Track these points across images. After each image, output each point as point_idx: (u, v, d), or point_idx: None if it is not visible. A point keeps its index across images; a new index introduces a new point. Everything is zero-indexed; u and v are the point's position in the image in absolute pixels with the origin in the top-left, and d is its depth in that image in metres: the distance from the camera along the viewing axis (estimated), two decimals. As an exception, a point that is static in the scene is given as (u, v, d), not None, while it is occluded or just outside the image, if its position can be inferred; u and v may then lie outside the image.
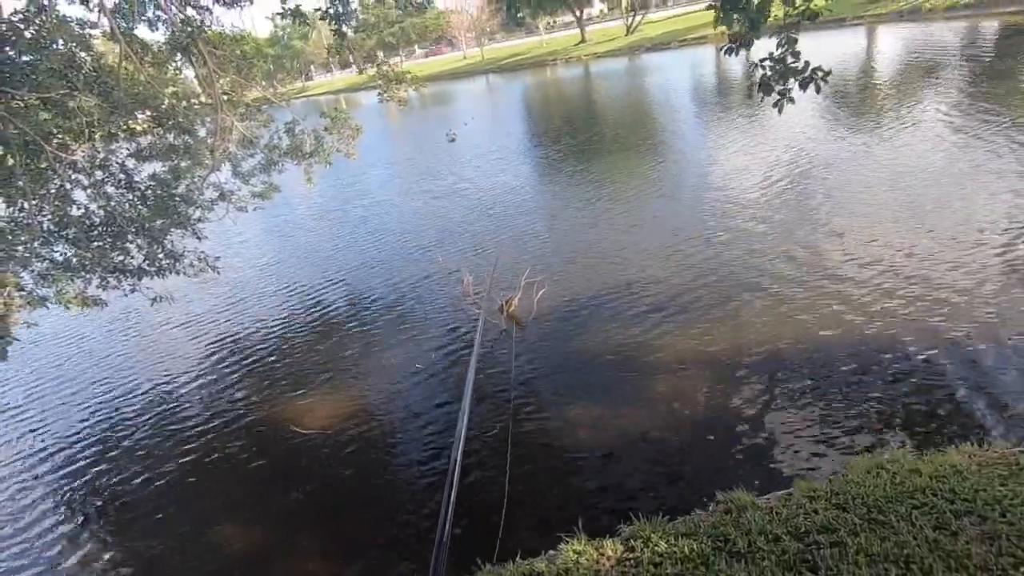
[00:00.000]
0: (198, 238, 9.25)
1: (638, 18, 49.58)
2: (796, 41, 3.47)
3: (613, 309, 7.77)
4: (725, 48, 4.05)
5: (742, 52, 3.71)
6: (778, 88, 3.55)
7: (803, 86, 3.48)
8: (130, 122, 8.53)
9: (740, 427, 5.26)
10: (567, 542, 3.84)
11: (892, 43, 25.14)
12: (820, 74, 3.43)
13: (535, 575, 3.52)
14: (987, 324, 5.94)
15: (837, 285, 7.14)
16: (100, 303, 8.17)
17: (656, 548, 3.44)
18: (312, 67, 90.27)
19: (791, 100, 3.52)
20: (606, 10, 73.07)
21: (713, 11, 3.72)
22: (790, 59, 3.49)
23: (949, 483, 3.43)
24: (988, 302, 6.27)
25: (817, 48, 27.16)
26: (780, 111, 3.54)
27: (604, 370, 6.56)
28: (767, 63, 3.62)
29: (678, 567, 3.23)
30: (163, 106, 8.50)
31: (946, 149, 10.83)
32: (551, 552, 4.06)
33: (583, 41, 52.10)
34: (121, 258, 8.36)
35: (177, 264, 9.06)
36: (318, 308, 10.03)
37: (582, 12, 54.27)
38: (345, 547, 4.92)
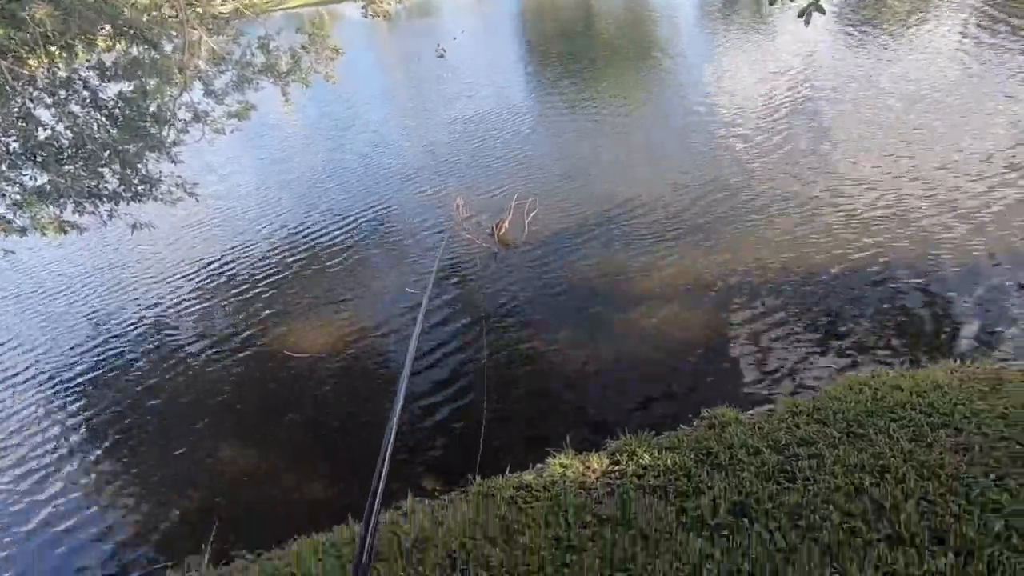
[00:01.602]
0: (173, 162, 8.88)
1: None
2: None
3: (604, 231, 7.67)
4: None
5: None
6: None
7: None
8: (89, 35, 7.93)
9: (728, 348, 5.33)
10: (554, 456, 3.96)
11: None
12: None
13: (524, 487, 3.64)
14: (974, 248, 5.92)
15: (829, 209, 7.04)
16: (77, 228, 7.94)
17: (640, 461, 3.54)
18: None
19: (820, 10, 3.23)
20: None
21: None
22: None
23: (929, 398, 3.51)
24: (978, 227, 6.22)
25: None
26: (807, 22, 3.26)
27: (594, 292, 6.56)
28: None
29: (661, 478, 3.34)
30: (122, 17, 7.87)
31: (959, 71, 10.35)
32: (539, 466, 4.20)
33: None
34: (94, 183, 8.06)
35: (154, 189, 8.73)
36: (304, 234, 9.84)
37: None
38: (343, 468, 5.06)
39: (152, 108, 8.79)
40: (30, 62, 6.99)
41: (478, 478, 3.99)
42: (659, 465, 3.45)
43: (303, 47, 10.10)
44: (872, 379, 3.96)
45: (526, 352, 5.90)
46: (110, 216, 8.45)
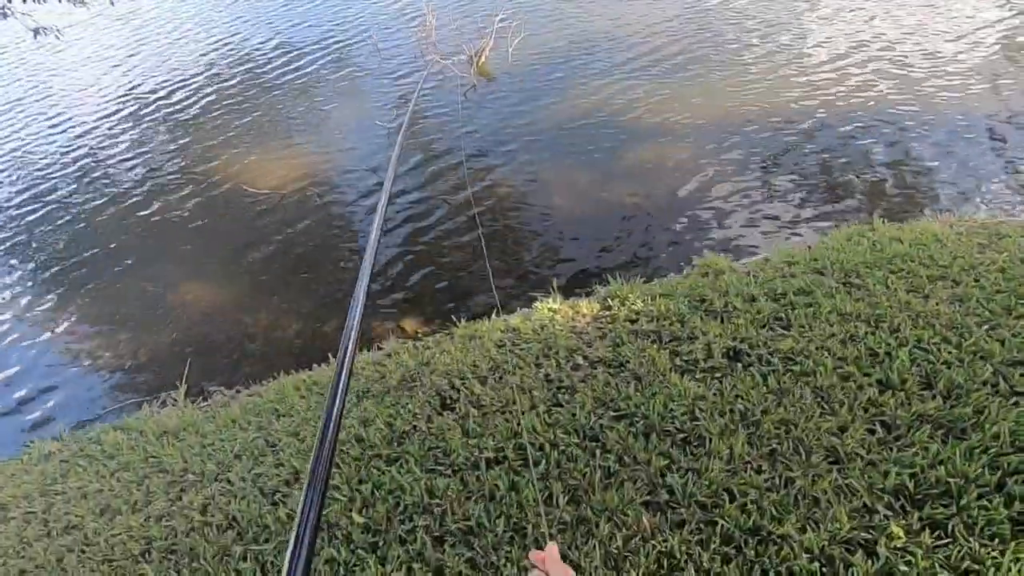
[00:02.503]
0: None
1: None
2: None
3: (590, 66, 6.96)
4: None
5: None
6: None
7: None
8: None
9: (715, 193, 5.13)
10: (542, 300, 3.85)
11: None
12: None
13: (511, 330, 3.56)
14: (973, 102, 5.61)
15: (821, 55, 6.46)
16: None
17: (632, 306, 3.46)
18: None
19: None
20: None
21: None
22: None
23: (928, 250, 3.45)
24: (975, 81, 5.85)
25: None
26: None
27: (581, 131, 6.10)
28: None
29: (654, 323, 3.29)
30: None
31: None
32: (525, 311, 4.11)
33: None
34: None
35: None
36: (251, 56, 8.62)
37: None
38: (318, 305, 4.88)
39: None
40: None
41: (462, 320, 3.89)
42: (652, 311, 3.38)
43: None
44: (871, 230, 3.87)
45: (507, 194, 5.58)
46: (3, 15, 7.10)
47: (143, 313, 5.08)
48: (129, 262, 5.63)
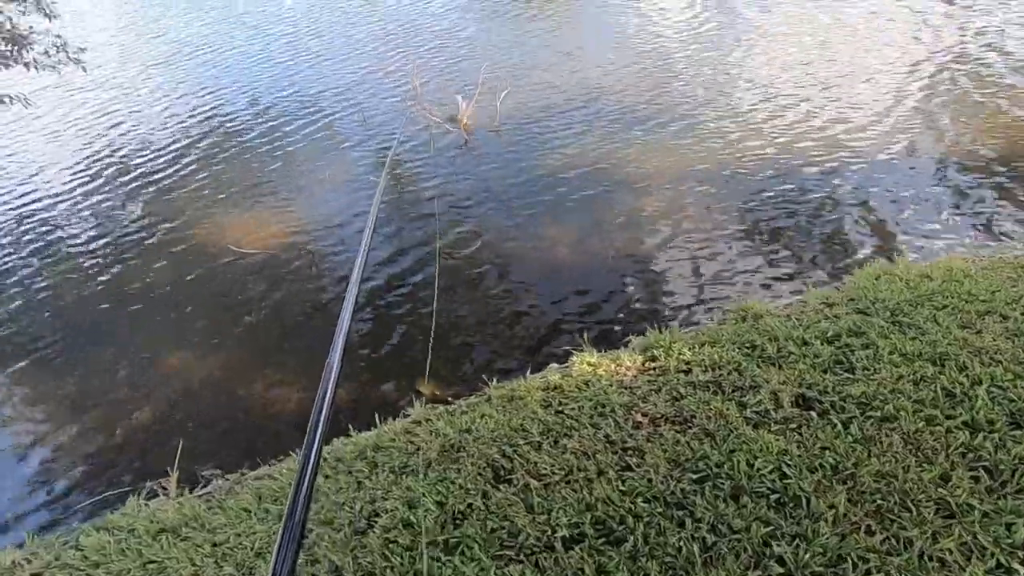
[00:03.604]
0: (48, 16, 7.06)
1: None
2: None
3: (575, 120, 7.06)
4: None
5: None
6: None
7: None
8: None
9: (719, 241, 5.12)
10: (576, 354, 3.63)
11: None
12: None
13: (552, 388, 3.31)
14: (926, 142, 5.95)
15: (798, 105, 6.80)
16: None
17: (681, 356, 3.29)
18: None
19: None
20: None
21: None
22: None
23: (964, 286, 3.46)
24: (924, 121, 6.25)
25: None
26: None
27: (571, 184, 6.09)
28: None
29: (709, 373, 3.12)
30: None
31: None
32: (553, 366, 3.89)
33: None
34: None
35: (23, 51, 6.98)
36: (229, 115, 8.40)
37: None
38: (317, 372, 4.49)
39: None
40: None
41: (495, 380, 3.62)
42: (703, 360, 3.21)
43: None
44: (898, 269, 3.88)
45: (508, 248, 5.43)
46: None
47: (119, 391, 4.55)
48: (102, 335, 5.11)
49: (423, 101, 7.46)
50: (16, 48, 6.77)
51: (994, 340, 2.95)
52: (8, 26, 6.77)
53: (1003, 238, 4.67)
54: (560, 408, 3.10)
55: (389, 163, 3.84)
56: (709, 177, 5.84)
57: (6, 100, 6.85)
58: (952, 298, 3.35)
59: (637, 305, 4.71)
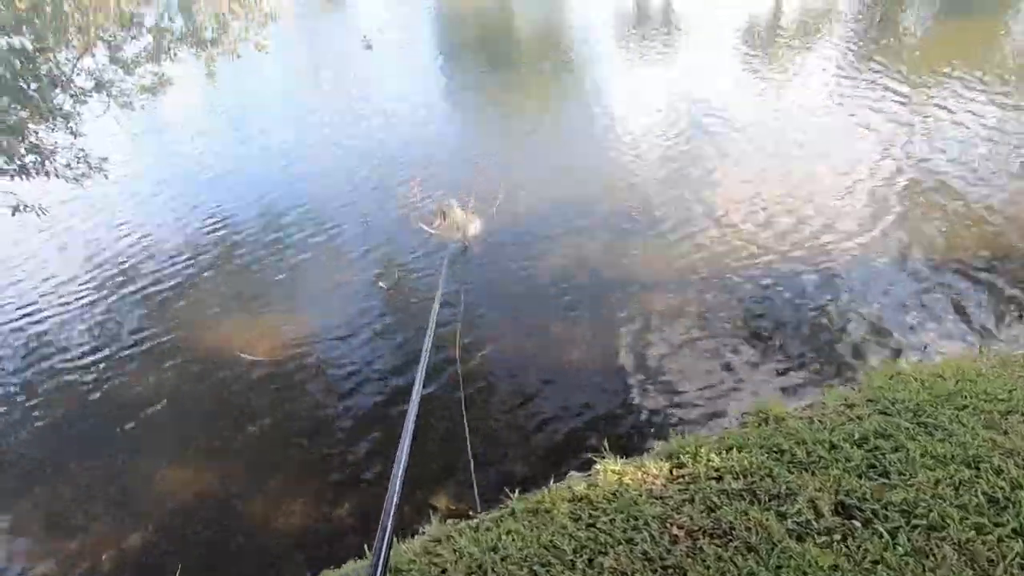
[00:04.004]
0: (73, 134, 7.44)
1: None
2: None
3: (570, 226, 7.35)
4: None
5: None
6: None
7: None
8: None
9: (729, 348, 5.19)
10: (600, 461, 3.53)
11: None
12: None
13: (579, 499, 3.18)
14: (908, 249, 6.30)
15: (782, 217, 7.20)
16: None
17: (710, 463, 3.21)
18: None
19: None
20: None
21: None
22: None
23: (979, 385, 3.51)
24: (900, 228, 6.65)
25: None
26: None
27: (574, 290, 6.20)
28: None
29: (741, 480, 3.03)
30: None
31: (836, 99, 11.02)
32: (573, 474, 3.77)
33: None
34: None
35: (47, 163, 7.27)
36: (237, 226, 8.62)
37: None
38: (327, 486, 4.29)
39: (44, 70, 7.36)
40: None
41: (516, 493, 3.47)
42: (733, 466, 3.14)
43: (231, 11, 8.98)
44: (910, 370, 3.94)
45: (518, 354, 5.43)
46: (-19, 194, 6.95)
47: (109, 512, 4.27)
48: (95, 450, 4.87)
49: (423, 211, 7.80)
50: (40, 159, 7.06)
51: (1022, 440, 2.94)
52: (34, 139, 7.11)
53: (991, 335, 4.83)
54: (591, 521, 2.96)
55: (438, 297, 3.84)
56: (708, 282, 6.03)
57: (22, 208, 7.01)
58: (971, 398, 3.38)
59: (651, 408, 4.67)
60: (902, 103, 10.14)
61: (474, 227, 7.43)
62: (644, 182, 8.38)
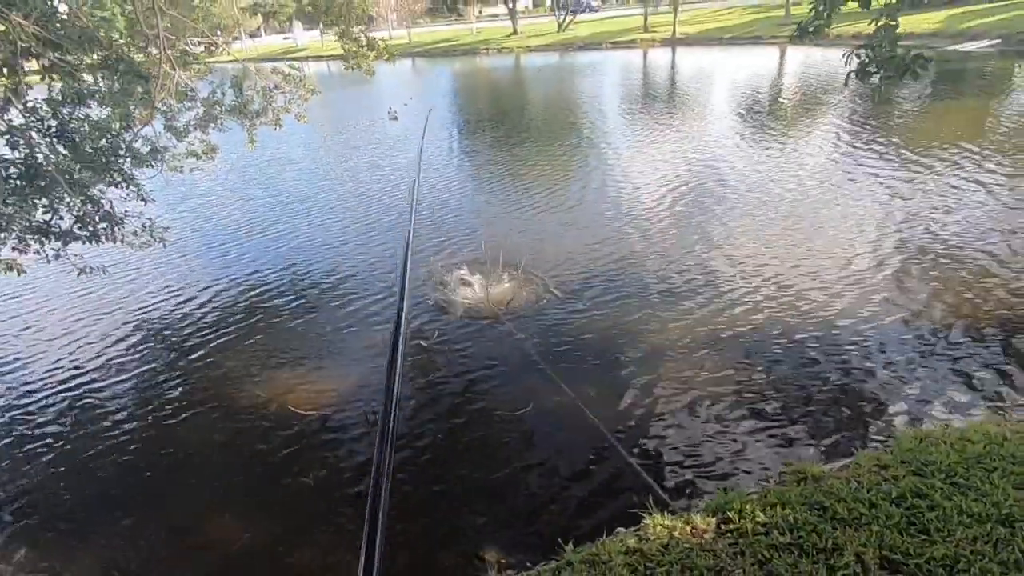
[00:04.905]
0: (144, 200, 8.08)
1: (569, 17, 50.31)
2: (896, 27, 3.57)
3: (586, 296, 7.75)
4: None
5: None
6: (877, 75, 3.63)
7: (901, 74, 3.59)
8: (70, 57, 7.21)
9: (750, 409, 5.40)
10: (648, 516, 3.73)
11: (801, 62, 27.40)
12: (920, 62, 3.54)
13: (632, 552, 3.38)
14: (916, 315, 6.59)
15: (785, 281, 7.61)
16: (17, 269, 6.91)
17: (756, 518, 3.42)
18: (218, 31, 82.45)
19: (893, 84, 3.62)
20: (531, 7, 73.75)
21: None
22: (887, 46, 3.58)
23: (1006, 448, 3.72)
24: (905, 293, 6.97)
25: (735, 63, 29.12)
26: (877, 98, 3.64)
27: (589, 357, 6.49)
28: (864, 51, 3.70)
29: (788, 536, 3.23)
30: (113, 42, 7.30)
31: (840, 168, 11.75)
32: (620, 529, 3.95)
33: (515, 33, 52.03)
34: (48, 217, 7.16)
35: (116, 229, 7.88)
36: (270, 287, 9.16)
37: (515, 3, 54.05)
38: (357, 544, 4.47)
39: (117, 142, 8.09)
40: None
41: (570, 545, 3.67)
42: (779, 522, 3.34)
43: (276, 87, 9.92)
44: (937, 434, 4.15)
45: (554, 414, 5.68)
46: (56, 256, 7.50)
47: (144, 568, 4.44)
48: (131, 504, 5.06)
49: (441, 276, 8.34)
50: (110, 226, 7.64)
51: (1052, 502, 3.15)
52: (107, 207, 7.73)
53: (1014, 400, 5.03)
54: (647, 572, 3.16)
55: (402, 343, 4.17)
56: (726, 345, 6.32)
57: (87, 270, 7.53)
58: (999, 460, 3.59)
59: (687, 466, 4.86)
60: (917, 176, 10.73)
61: (501, 297, 7.83)
62: (662, 252, 8.85)
